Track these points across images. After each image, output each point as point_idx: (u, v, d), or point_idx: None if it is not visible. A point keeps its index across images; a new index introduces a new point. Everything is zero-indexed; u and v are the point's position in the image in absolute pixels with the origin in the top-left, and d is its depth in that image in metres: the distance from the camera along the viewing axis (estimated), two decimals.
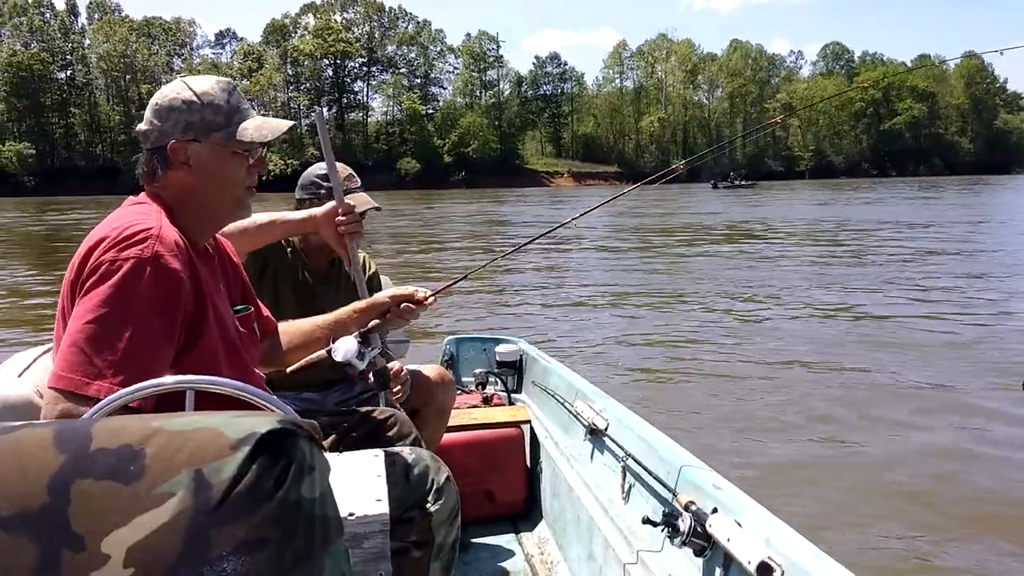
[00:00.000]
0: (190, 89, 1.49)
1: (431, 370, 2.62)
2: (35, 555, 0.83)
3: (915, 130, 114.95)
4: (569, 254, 16.72)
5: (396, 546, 1.62)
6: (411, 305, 2.00)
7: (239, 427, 0.87)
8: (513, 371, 3.50)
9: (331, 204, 2.20)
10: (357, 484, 1.29)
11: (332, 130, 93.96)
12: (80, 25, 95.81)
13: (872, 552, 3.53)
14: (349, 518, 1.20)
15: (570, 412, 2.84)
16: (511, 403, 3.33)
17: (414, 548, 1.70)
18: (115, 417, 0.96)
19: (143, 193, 1.53)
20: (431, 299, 2.03)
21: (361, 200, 2.39)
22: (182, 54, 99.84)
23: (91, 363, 1.27)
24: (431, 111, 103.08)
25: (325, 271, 2.59)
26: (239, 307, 1.67)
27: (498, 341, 3.62)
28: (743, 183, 71.77)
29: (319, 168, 2.55)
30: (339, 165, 2.39)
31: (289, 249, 2.51)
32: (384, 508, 1.22)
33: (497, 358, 3.50)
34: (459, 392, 3.17)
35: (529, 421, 3.14)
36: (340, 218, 2.17)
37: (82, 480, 0.85)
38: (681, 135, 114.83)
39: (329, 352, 1.94)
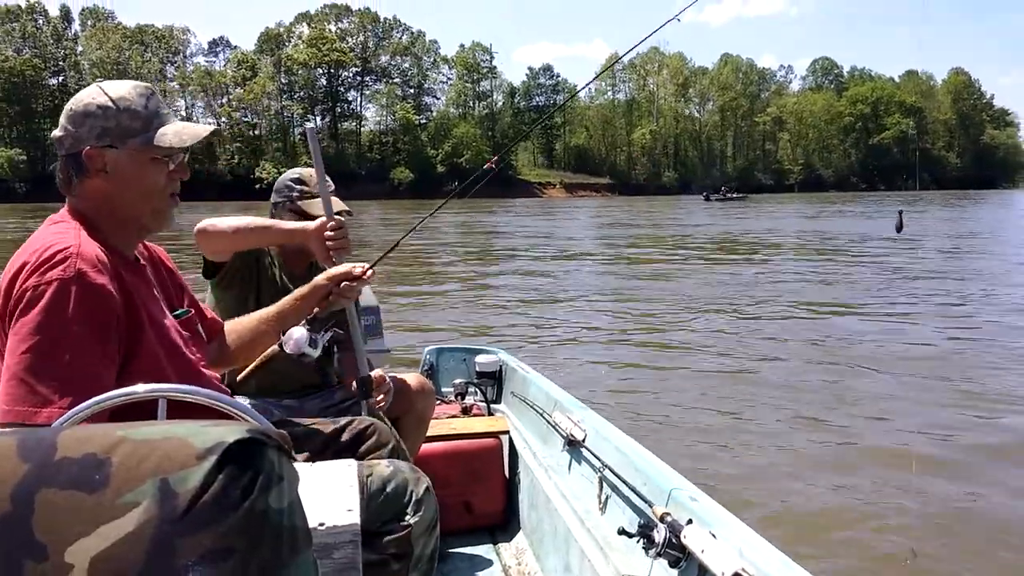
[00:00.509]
0: (106, 94, 1.45)
1: (411, 379, 2.62)
2: None
3: (903, 145, 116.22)
4: (557, 264, 16.75)
5: (375, 558, 1.62)
6: (350, 283, 2.01)
7: (206, 436, 0.86)
8: (493, 381, 3.48)
9: (322, 219, 2.20)
10: (329, 494, 1.28)
11: (325, 139, 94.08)
12: (73, 32, 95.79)
13: (848, 563, 3.54)
14: (319, 528, 1.19)
15: (548, 423, 2.83)
16: (490, 413, 3.32)
17: (393, 560, 1.70)
18: (80, 426, 0.96)
19: (63, 209, 1.49)
20: (369, 273, 2.04)
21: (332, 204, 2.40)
22: (175, 62, 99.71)
23: (35, 392, 1.26)
24: (424, 121, 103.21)
25: (303, 275, 2.58)
26: (179, 311, 1.64)
27: (478, 351, 3.61)
28: (735, 195, 72.47)
29: (293, 173, 2.59)
30: (313, 170, 2.43)
31: (268, 257, 2.50)
32: (355, 518, 1.22)
33: (477, 368, 3.49)
34: (438, 402, 3.15)
35: (508, 432, 3.12)
36: (328, 233, 2.16)
37: (46, 489, 0.84)
38: (673, 147, 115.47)
39: (281, 346, 1.93)
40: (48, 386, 1.26)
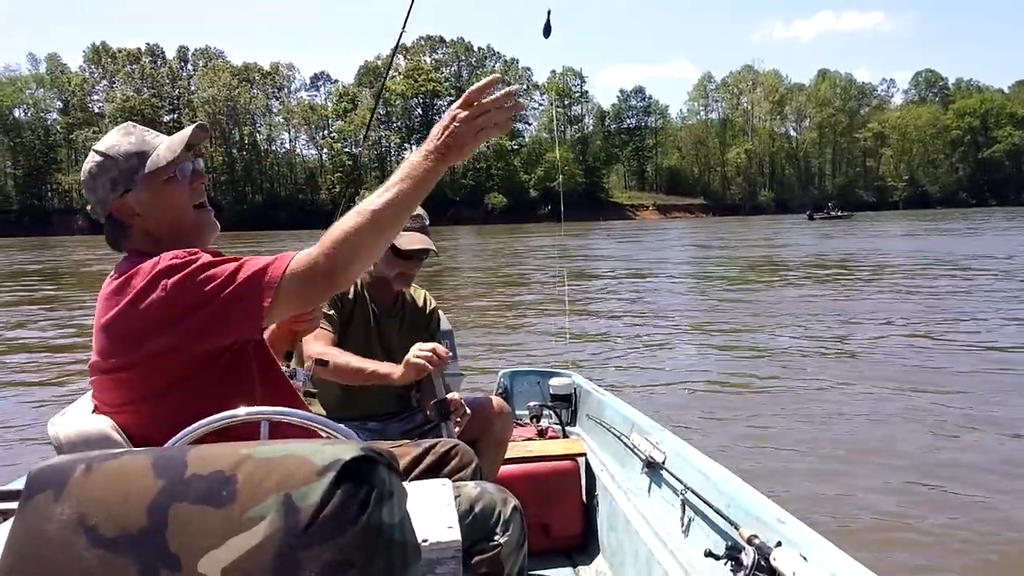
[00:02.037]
0: (97, 153, 1.56)
1: (490, 401, 2.66)
2: (136, 574, 0.89)
3: (1016, 158, 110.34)
4: (644, 283, 16.56)
5: None
6: (301, 320, 1.98)
7: (324, 454, 0.92)
8: (567, 404, 3.50)
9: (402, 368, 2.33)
10: (428, 511, 1.32)
11: None
12: (187, 71, 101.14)
13: None
14: (423, 544, 1.22)
15: (626, 445, 2.81)
16: (565, 436, 3.33)
17: None
18: (206, 445, 1.03)
19: (127, 254, 1.58)
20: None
21: (416, 240, 2.50)
22: (280, 97, 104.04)
23: (260, 265, 1.37)
24: (517, 147, 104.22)
25: (389, 307, 2.68)
26: None
27: (551, 374, 3.63)
28: (839, 214, 70.24)
29: None
30: None
31: (358, 287, 2.61)
32: (456, 535, 1.25)
33: (551, 391, 3.51)
34: (514, 425, 3.19)
35: (584, 454, 3.12)
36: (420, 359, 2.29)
37: (178, 504, 0.90)
38: (768, 166, 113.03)
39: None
40: (251, 272, 1.37)
